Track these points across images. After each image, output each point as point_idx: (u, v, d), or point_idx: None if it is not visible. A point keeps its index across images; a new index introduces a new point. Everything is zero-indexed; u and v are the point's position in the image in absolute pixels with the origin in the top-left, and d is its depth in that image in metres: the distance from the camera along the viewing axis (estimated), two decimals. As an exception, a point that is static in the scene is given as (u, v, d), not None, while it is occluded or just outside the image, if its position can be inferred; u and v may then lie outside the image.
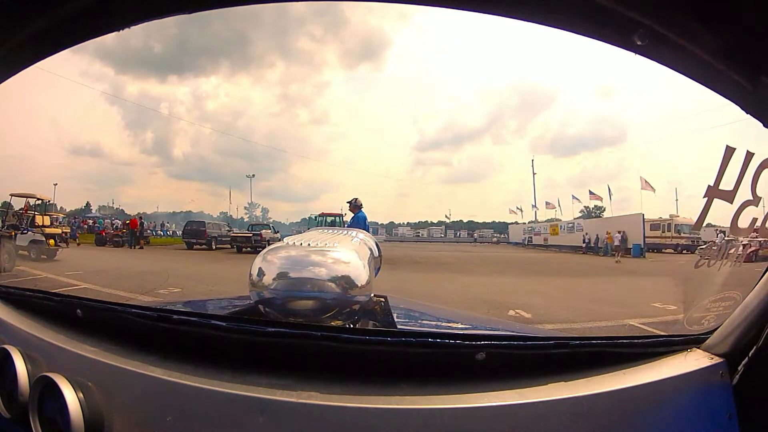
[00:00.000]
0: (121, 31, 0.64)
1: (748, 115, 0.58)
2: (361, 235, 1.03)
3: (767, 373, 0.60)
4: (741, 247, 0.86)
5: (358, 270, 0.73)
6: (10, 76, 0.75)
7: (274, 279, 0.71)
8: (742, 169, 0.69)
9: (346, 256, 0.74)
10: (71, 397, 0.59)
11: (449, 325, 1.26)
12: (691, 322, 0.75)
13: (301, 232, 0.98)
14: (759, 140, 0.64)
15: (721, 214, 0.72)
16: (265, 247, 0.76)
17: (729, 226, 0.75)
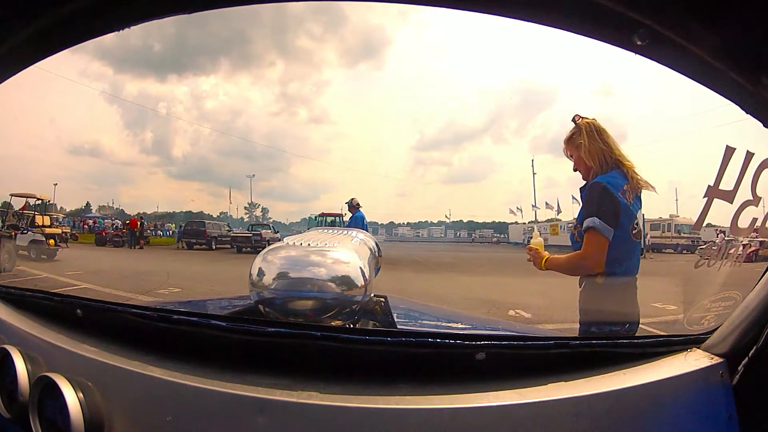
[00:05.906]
0: (120, 31, 0.64)
1: (748, 115, 0.58)
2: (361, 235, 1.03)
3: (767, 373, 0.60)
4: (741, 247, 0.86)
5: (358, 270, 0.73)
6: (10, 76, 0.75)
7: (274, 279, 0.71)
8: (742, 169, 0.69)
9: (346, 256, 0.74)
10: (71, 397, 0.59)
11: (449, 325, 1.26)
12: (691, 322, 0.75)
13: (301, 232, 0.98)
14: (759, 140, 0.64)
15: (721, 214, 0.72)
16: (265, 247, 0.76)
17: (729, 226, 0.75)
